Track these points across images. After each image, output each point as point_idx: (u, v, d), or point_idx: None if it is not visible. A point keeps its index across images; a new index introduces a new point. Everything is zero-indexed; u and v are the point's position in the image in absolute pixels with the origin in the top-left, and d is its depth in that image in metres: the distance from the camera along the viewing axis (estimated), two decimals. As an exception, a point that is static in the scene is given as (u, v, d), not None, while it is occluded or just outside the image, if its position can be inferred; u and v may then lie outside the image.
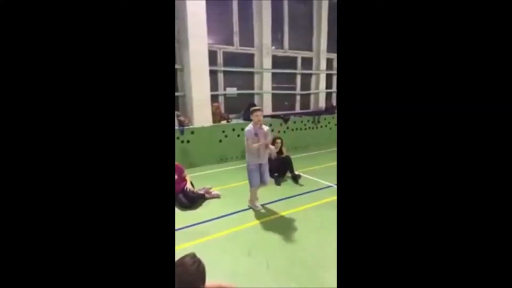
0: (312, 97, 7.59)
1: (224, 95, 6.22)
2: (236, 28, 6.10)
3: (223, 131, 5.73)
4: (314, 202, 3.75)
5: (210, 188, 4.04)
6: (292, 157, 4.83)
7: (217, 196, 3.96)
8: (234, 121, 5.98)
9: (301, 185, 4.41)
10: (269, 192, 4.01)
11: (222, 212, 3.46)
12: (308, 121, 6.99)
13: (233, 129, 5.79)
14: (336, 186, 4.23)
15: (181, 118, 5.23)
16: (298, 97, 7.39)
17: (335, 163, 5.42)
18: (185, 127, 5.22)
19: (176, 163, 3.71)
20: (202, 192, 3.89)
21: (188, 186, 3.81)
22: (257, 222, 3.25)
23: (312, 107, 7.58)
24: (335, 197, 3.89)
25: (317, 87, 7.49)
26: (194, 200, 3.72)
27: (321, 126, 7.18)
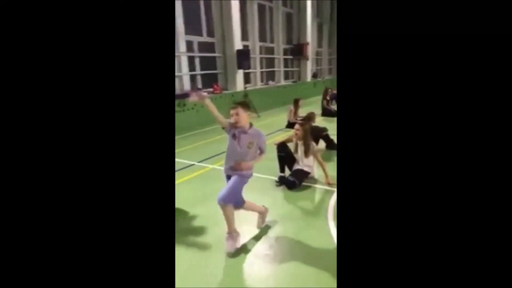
0: (176, 80, 7.48)
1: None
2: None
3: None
4: (182, 178, 3.94)
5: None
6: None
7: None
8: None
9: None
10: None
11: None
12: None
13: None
14: (198, 164, 4.48)
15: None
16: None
17: (203, 142, 5.55)
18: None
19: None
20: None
21: None
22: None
23: (176, 91, 7.50)
24: (196, 173, 4.13)
25: (179, 70, 7.43)
26: None
27: (188, 109, 7.23)
